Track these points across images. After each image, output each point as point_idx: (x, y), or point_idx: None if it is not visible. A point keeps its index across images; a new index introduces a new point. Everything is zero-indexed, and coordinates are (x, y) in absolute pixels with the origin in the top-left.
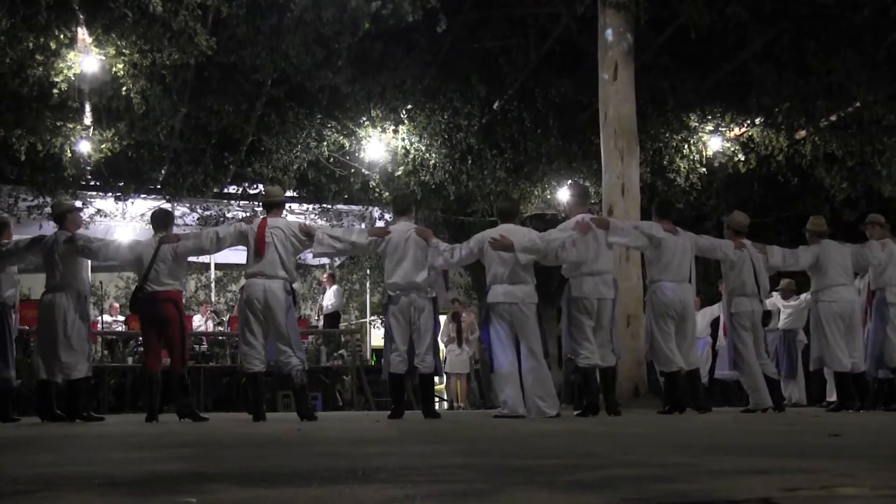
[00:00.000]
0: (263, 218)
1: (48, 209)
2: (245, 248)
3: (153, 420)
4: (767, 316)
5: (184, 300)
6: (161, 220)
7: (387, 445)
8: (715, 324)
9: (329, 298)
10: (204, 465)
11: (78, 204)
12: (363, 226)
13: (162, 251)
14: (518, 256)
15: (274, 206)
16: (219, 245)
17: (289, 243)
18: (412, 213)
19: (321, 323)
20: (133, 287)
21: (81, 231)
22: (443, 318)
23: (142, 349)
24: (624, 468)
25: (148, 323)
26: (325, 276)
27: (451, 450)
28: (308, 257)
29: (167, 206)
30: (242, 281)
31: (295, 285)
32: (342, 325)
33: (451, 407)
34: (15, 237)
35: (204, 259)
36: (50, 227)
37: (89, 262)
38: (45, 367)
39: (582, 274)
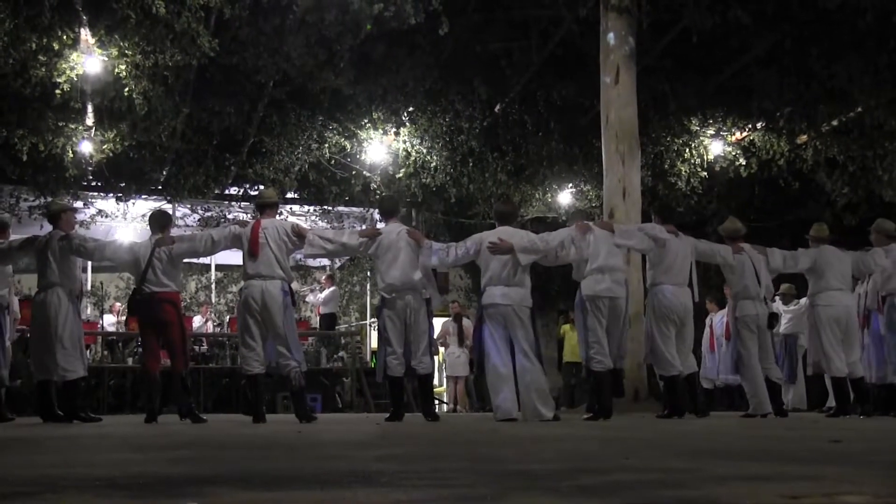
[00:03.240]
0: (256, 219)
1: None
2: (241, 251)
3: (153, 421)
4: (774, 318)
5: (183, 301)
6: (158, 222)
7: (388, 448)
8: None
9: (326, 300)
10: (204, 467)
11: (79, 204)
12: (363, 227)
13: (157, 253)
14: (518, 257)
15: (267, 207)
16: (213, 248)
17: (282, 242)
18: (399, 214)
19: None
20: (132, 288)
21: (80, 231)
22: (440, 320)
23: (141, 350)
24: (626, 473)
25: (146, 324)
26: (324, 277)
27: (453, 453)
28: (309, 260)
29: (168, 207)
30: (241, 283)
31: (293, 285)
32: (342, 328)
33: (451, 410)
34: (14, 236)
35: (204, 260)
36: (50, 228)
37: (81, 261)
38: (40, 366)
39: (592, 271)
